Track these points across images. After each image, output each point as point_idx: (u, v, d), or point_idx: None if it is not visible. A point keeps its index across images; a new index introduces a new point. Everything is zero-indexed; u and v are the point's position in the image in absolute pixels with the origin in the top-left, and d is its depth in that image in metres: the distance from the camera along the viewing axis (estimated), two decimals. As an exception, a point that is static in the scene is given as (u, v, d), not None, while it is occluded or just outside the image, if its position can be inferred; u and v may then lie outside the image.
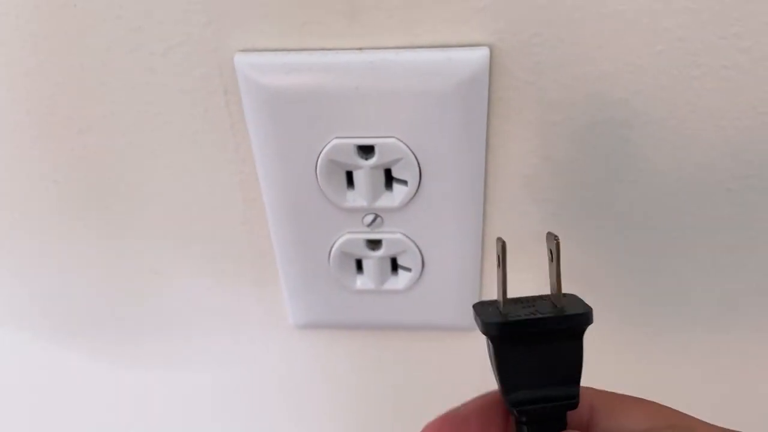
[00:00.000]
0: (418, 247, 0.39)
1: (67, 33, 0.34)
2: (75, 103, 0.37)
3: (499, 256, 0.27)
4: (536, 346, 0.25)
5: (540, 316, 0.25)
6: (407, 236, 0.39)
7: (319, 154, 0.35)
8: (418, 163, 0.35)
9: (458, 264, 0.40)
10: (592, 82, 0.33)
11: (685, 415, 0.25)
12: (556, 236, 0.27)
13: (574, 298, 0.27)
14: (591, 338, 0.26)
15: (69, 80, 0.36)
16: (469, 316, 0.42)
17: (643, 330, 0.43)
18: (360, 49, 0.33)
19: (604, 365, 0.43)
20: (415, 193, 0.36)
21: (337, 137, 0.35)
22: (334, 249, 0.39)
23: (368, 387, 0.49)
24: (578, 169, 0.36)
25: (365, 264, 0.40)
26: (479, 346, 0.44)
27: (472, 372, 0.43)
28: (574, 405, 0.26)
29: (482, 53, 0.32)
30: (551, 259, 0.27)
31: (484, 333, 0.26)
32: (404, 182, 0.36)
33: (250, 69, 0.34)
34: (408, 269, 0.40)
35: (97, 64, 0.35)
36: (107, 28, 0.34)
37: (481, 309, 0.27)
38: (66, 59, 0.35)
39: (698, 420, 0.25)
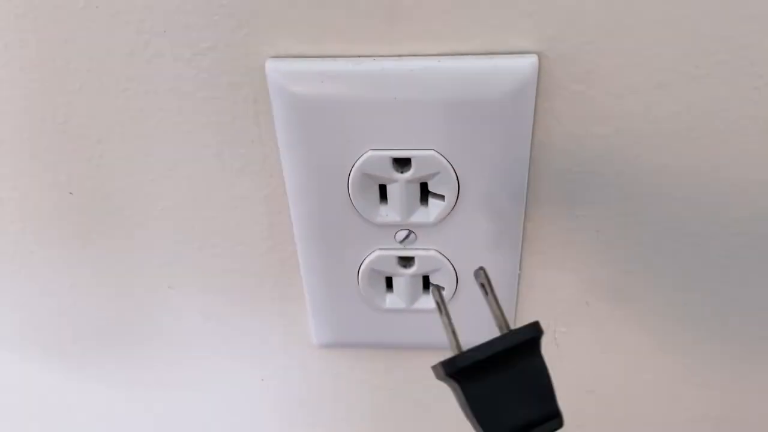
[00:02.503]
0: (452, 265, 0.37)
1: (88, 36, 0.32)
2: (93, 111, 0.35)
3: (438, 303, 0.28)
4: (500, 375, 0.25)
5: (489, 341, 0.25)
6: (442, 253, 0.37)
7: (352, 167, 0.33)
8: (457, 178, 0.33)
9: (494, 282, 0.38)
10: (646, 92, 0.31)
11: None
12: (481, 267, 0.28)
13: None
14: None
15: (87, 86, 0.34)
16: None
17: (682, 342, 0.41)
18: (399, 56, 0.31)
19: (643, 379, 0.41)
20: (452, 209, 0.34)
21: (372, 149, 0.33)
22: (363, 266, 0.37)
23: (393, 408, 0.47)
24: (625, 184, 0.34)
25: (395, 282, 0.38)
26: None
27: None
28: (559, 423, 0.25)
29: (530, 61, 0.30)
30: (486, 293, 0.27)
31: (447, 375, 0.25)
32: (441, 197, 0.34)
33: (282, 76, 0.32)
34: (442, 287, 0.38)
35: (118, 70, 0.33)
36: (130, 31, 0.32)
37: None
38: (85, 64, 0.33)
39: None
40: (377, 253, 0.37)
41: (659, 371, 0.42)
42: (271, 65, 0.32)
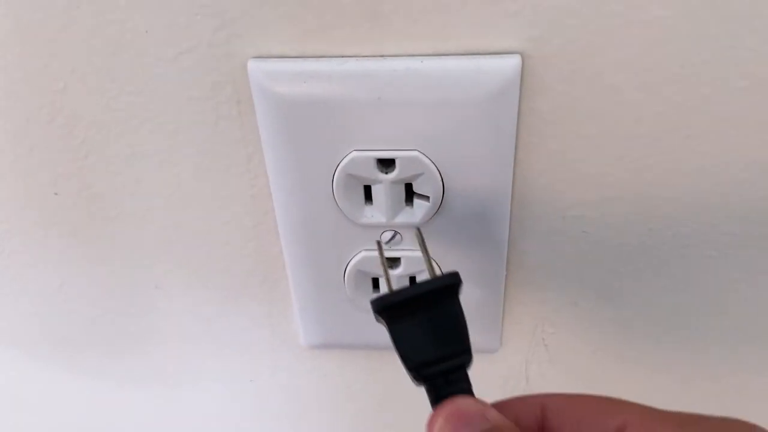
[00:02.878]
0: (438, 266, 0.37)
1: (70, 36, 0.32)
2: (77, 111, 0.34)
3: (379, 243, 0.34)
4: (420, 315, 0.28)
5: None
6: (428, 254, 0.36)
7: (336, 168, 0.33)
8: (442, 178, 0.33)
9: (481, 284, 0.38)
10: (631, 92, 0.31)
11: (640, 407, 0.23)
12: (418, 228, 0.34)
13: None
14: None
15: (71, 86, 0.34)
16: (492, 339, 0.40)
17: (670, 346, 0.41)
18: (382, 56, 0.31)
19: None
20: (438, 210, 0.34)
21: (356, 150, 0.33)
22: (349, 267, 0.37)
23: (381, 409, 0.47)
24: (612, 184, 0.34)
25: (382, 283, 0.38)
26: (501, 368, 0.42)
27: (492, 395, 0.41)
28: (468, 358, 0.28)
29: (514, 61, 0.30)
30: (422, 251, 0.32)
31: (374, 312, 0.28)
32: (426, 198, 0.34)
33: (265, 77, 0.31)
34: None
35: (102, 70, 0.33)
36: (112, 30, 0.32)
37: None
38: (68, 64, 0.33)
39: (651, 410, 0.23)
40: (363, 254, 0.37)
41: (650, 371, 0.42)
42: (253, 65, 0.31)
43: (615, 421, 0.23)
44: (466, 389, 0.27)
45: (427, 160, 0.32)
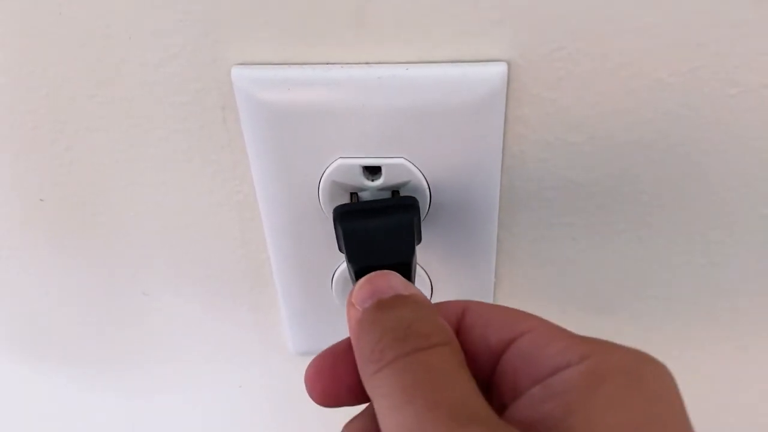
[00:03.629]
0: (426, 273, 0.36)
1: (52, 43, 0.32)
2: (61, 118, 0.34)
3: None
4: (374, 223, 0.30)
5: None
6: (419, 265, 0.36)
7: (322, 175, 0.33)
8: (428, 186, 0.33)
9: (468, 291, 0.37)
10: (619, 99, 0.30)
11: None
12: None
13: None
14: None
15: (55, 93, 0.33)
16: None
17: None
18: (367, 63, 0.31)
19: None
20: (424, 217, 0.34)
21: (341, 157, 0.32)
22: (336, 274, 0.37)
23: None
24: (600, 193, 0.33)
25: (370, 289, 0.38)
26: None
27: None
28: (406, 271, 0.29)
29: (500, 69, 0.30)
30: None
31: (333, 219, 0.31)
32: (413, 205, 0.34)
33: (249, 83, 0.31)
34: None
35: (85, 76, 0.33)
36: (96, 37, 0.31)
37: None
38: (51, 70, 0.33)
39: (557, 326, 0.24)
40: (350, 261, 0.36)
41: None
42: (237, 72, 0.31)
43: (520, 327, 0.24)
44: None
45: (413, 168, 0.32)
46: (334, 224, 0.31)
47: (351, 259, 0.30)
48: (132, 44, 0.31)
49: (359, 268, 0.29)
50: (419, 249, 0.35)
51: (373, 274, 0.26)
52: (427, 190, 0.33)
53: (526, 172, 0.33)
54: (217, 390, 0.46)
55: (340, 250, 0.31)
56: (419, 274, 0.36)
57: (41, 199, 0.38)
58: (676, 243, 0.35)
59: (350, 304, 0.25)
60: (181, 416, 0.49)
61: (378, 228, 0.30)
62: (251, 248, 0.38)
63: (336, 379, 0.25)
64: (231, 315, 0.42)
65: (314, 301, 0.39)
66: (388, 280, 0.25)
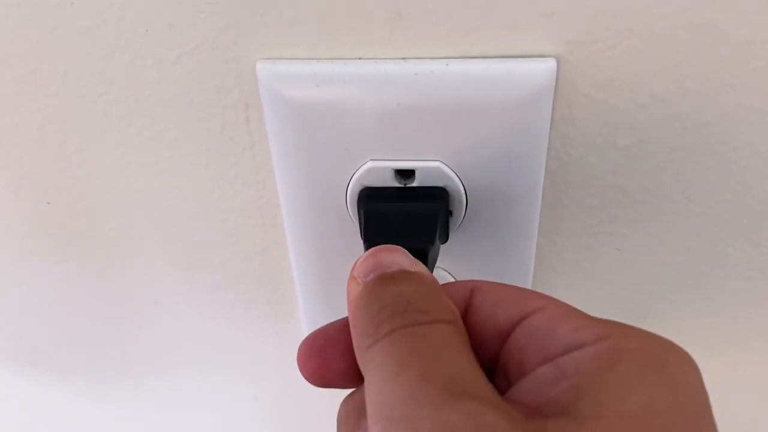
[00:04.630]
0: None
1: (62, 36, 0.29)
2: (70, 117, 0.32)
3: None
4: (395, 204, 0.29)
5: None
6: (448, 272, 0.34)
7: (351, 178, 0.31)
8: (465, 192, 0.30)
9: (504, 303, 0.35)
10: (674, 101, 0.28)
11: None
12: None
13: None
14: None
15: (64, 89, 0.31)
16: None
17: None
18: (403, 58, 0.28)
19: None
20: (459, 225, 0.32)
21: (372, 159, 0.30)
22: (363, 284, 0.35)
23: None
24: (649, 200, 0.31)
25: (398, 300, 0.36)
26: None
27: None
28: (423, 256, 0.27)
29: (548, 65, 0.27)
30: None
31: (357, 200, 0.30)
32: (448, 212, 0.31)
33: (275, 80, 0.29)
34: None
35: (97, 72, 0.30)
36: (108, 30, 0.29)
37: None
38: (61, 66, 0.30)
39: (568, 306, 0.22)
40: (378, 270, 0.34)
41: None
42: (262, 67, 0.29)
43: (532, 305, 0.22)
44: None
45: (450, 172, 0.30)
46: (358, 208, 0.30)
47: (366, 240, 0.29)
48: (147, 38, 0.29)
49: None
50: (451, 257, 0.33)
51: (378, 247, 0.24)
52: (464, 195, 0.31)
53: (570, 176, 0.31)
54: (231, 402, 0.44)
55: (362, 236, 0.30)
56: (452, 284, 0.34)
57: (48, 203, 0.35)
58: (727, 255, 0.33)
59: (351, 278, 0.24)
60: (194, 429, 0.47)
61: (399, 213, 0.29)
62: (272, 255, 0.36)
63: (326, 360, 0.24)
64: (247, 325, 0.39)
65: (337, 312, 0.37)
66: (393, 255, 0.23)
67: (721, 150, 0.29)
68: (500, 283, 0.24)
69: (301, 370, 0.24)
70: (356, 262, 0.24)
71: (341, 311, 0.36)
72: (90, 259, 0.37)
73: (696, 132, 0.29)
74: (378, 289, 0.22)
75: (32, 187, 0.35)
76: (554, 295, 0.35)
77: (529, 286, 0.34)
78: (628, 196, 0.31)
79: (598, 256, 0.33)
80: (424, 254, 0.28)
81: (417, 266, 0.23)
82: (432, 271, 0.29)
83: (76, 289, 0.39)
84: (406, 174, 0.31)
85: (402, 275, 0.23)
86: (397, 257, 0.23)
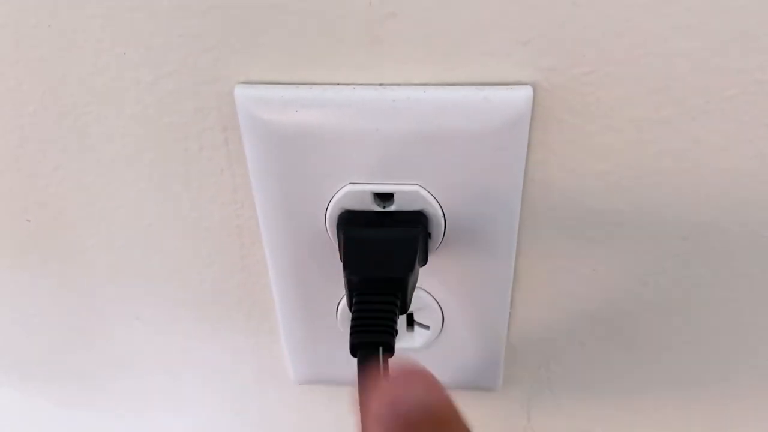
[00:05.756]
0: (438, 303, 0.34)
1: (41, 57, 0.29)
2: (49, 136, 0.32)
3: None
4: (375, 230, 0.29)
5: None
6: (427, 291, 0.34)
7: (330, 201, 0.31)
8: (444, 214, 0.31)
9: (483, 322, 0.35)
10: (650, 127, 0.28)
11: None
12: None
13: None
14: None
15: (42, 109, 0.31)
16: (492, 377, 0.37)
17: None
18: (381, 84, 0.28)
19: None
20: (439, 245, 0.32)
21: (351, 183, 0.30)
22: (342, 303, 0.35)
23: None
24: (625, 223, 0.31)
25: (376, 320, 0.36)
26: (501, 405, 0.40)
27: (492, 434, 0.39)
28: (398, 287, 0.28)
29: (524, 93, 0.28)
30: None
31: (337, 226, 0.30)
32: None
33: (253, 104, 0.29)
34: (426, 327, 0.35)
35: (75, 93, 0.30)
36: (87, 51, 0.29)
37: None
38: (39, 86, 0.30)
39: None
40: (357, 290, 0.34)
41: (659, 418, 0.40)
42: (240, 91, 0.29)
43: None
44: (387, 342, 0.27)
45: (427, 195, 0.30)
46: (337, 231, 0.30)
47: (346, 267, 0.29)
48: (126, 60, 0.29)
49: (352, 278, 0.28)
50: (431, 278, 0.33)
51: (393, 374, 0.22)
52: (442, 218, 0.31)
53: (547, 199, 0.31)
54: (213, 418, 0.44)
55: (341, 259, 0.30)
56: (431, 304, 0.34)
57: (28, 220, 0.35)
58: (702, 276, 0.33)
59: (365, 410, 0.22)
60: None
61: (379, 239, 0.29)
62: (251, 273, 0.36)
63: None
64: (228, 341, 0.39)
65: (317, 330, 0.37)
66: (413, 390, 0.21)
67: (697, 175, 0.30)
68: None
69: None
70: (366, 386, 0.23)
71: (320, 328, 0.36)
72: (70, 276, 0.37)
73: (671, 156, 0.29)
74: None
75: (11, 205, 0.35)
76: (532, 314, 0.35)
77: (506, 307, 0.35)
78: (603, 218, 0.31)
79: (574, 276, 0.34)
80: (404, 283, 0.28)
81: (438, 393, 0.21)
82: (411, 295, 0.29)
83: (56, 305, 0.39)
84: (384, 197, 0.31)
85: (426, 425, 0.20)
86: (418, 392, 0.21)
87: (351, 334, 0.28)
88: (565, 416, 0.40)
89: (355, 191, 0.30)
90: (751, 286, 0.33)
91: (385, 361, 0.27)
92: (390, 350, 0.27)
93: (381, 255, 0.29)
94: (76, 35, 0.29)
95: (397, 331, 0.28)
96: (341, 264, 0.31)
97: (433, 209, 0.30)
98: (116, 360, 0.41)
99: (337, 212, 0.31)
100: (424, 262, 0.31)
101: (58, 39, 0.29)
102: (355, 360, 0.35)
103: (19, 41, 0.29)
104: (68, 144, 0.32)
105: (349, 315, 0.34)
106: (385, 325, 0.27)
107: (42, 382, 0.44)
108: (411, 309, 0.34)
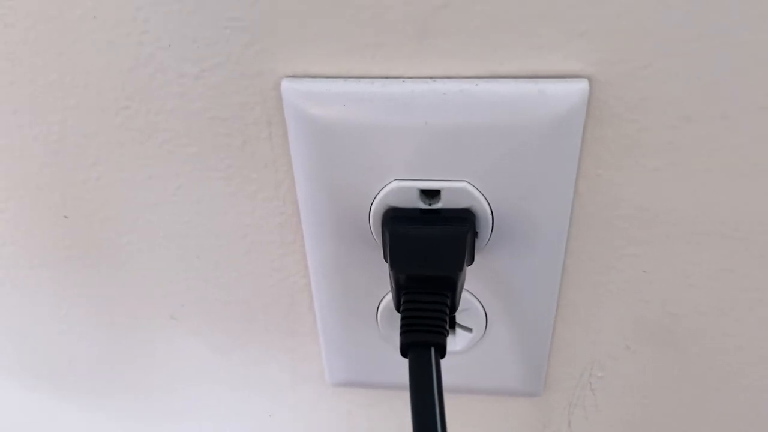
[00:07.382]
0: (482, 304, 0.34)
1: (84, 49, 0.29)
2: (90, 130, 0.31)
3: None
4: (422, 228, 0.28)
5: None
6: (470, 292, 0.33)
7: (375, 198, 0.30)
8: (491, 211, 0.30)
9: (527, 325, 0.34)
10: (708, 123, 0.27)
11: None
12: None
13: None
14: None
15: (83, 103, 0.31)
16: (535, 382, 0.37)
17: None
18: (431, 77, 0.28)
19: None
20: (486, 244, 0.31)
21: (397, 179, 0.29)
22: (383, 304, 0.34)
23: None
24: (678, 222, 0.30)
25: (418, 320, 0.35)
26: (542, 409, 0.38)
27: (532, 441, 0.38)
28: (453, 305, 0.28)
29: (580, 86, 0.27)
30: None
31: (383, 223, 0.29)
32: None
33: (299, 98, 0.28)
34: (468, 329, 0.35)
35: (117, 86, 0.30)
36: (131, 44, 0.29)
37: None
38: (82, 79, 0.30)
39: None
40: (399, 289, 0.33)
41: (706, 422, 0.38)
42: (287, 85, 0.28)
43: None
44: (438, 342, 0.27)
45: (476, 192, 0.29)
46: (382, 229, 0.29)
47: (393, 266, 0.28)
48: (170, 53, 0.29)
49: (400, 276, 0.28)
50: (475, 279, 0.33)
51: None
52: (490, 216, 0.30)
53: (599, 197, 0.30)
54: (245, 418, 0.43)
55: (385, 258, 0.29)
56: (474, 306, 0.33)
57: (65, 216, 0.35)
58: (758, 278, 0.32)
59: None
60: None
61: (426, 236, 0.28)
62: (290, 272, 0.35)
63: None
64: (264, 341, 0.39)
65: (356, 331, 0.36)
66: None
67: (754, 173, 0.29)
68: None
69: None
70: None
71: (359, 329, 0.36)
72: (106, 274, 0.37)
73: (728, 154, 0.28)
74: None
75: (50, 200, 0.34)
76: (577, 314, 0.34)
77: (553, 306, 0.34)
78: (656, 218, 0.30)
79: (624, 277, 0.33)
80: (453, 282, 0.27)
81: None
82: (460, 296, 0.28)
83: (91, 302, 0.39)
84: (431, 194, 0.30)
85: None
86: None
87: (401, 333, 0.27)
88: (608, 425, 0.39)
89: (401, 188, 0.29)
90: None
91: (437, 363, 0.26)
92: (442, 351, 0.27)
93: (429, 253, 0.28)
94: (121, 27, 0.28)
95: (448, 332, 0.27)
96: (384, 263, 0.31)
97: (481, 207, 0.30)
98: (150, 360, 0.41)
99: (382, 209, 0.30)
100: (471, 261, 0.30)
101: (103, 31, 0.28)
102: (396, 362, 0.34)
103: (63, 33, 0.29)
104: (108, 139, 0.32)
105: (390, 316, 0.34)
106: (437, 325, 0.27)
107: (69, 385, 0.44)
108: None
